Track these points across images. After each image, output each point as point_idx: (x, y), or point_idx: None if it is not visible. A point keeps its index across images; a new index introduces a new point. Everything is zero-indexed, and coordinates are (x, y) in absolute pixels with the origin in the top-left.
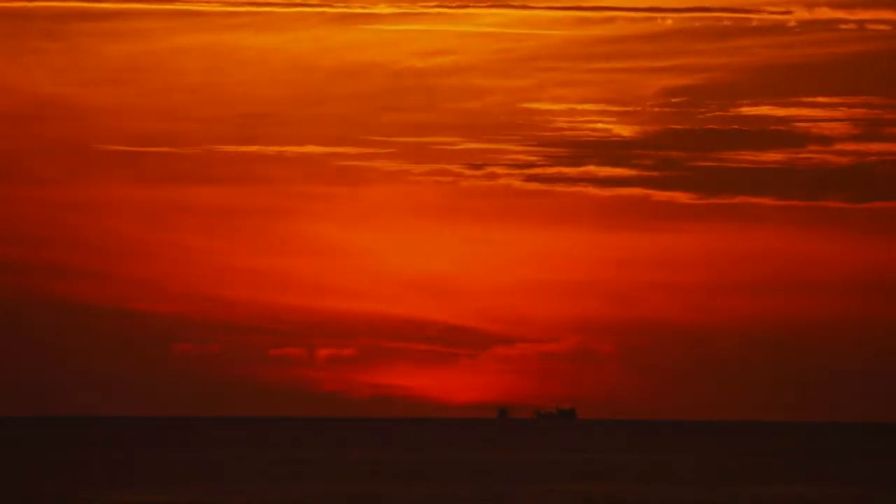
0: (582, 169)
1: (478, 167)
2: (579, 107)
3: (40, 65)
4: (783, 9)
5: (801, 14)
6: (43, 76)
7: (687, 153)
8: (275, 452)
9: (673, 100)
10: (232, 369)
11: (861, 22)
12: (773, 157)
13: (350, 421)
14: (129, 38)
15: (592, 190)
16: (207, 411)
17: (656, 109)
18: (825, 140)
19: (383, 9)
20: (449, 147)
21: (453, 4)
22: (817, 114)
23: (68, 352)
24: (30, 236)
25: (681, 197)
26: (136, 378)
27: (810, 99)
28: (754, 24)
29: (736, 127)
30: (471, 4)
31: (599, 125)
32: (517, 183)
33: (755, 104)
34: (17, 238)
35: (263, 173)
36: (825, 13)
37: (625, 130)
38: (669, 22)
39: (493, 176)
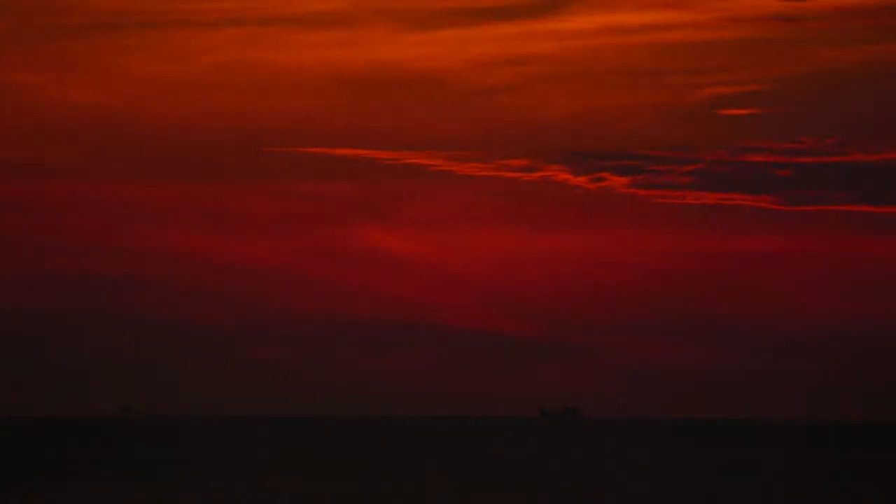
0: (665, 178)
1: (582, 174)
2: (654, 115)
3: (83, 78)
4: None
5: None
6: (87, 89)
7: (774, 158)
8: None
9: (753, 108)
10: (317, 374)
11: None
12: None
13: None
14: (173, 52)
15: (675, 196)
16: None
17: (736, 117)
18: None
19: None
20: (548, 155)
21: (506, 18)
22: None
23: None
24: (95, 248)
25: (768, 203)
26: (221, 381)
27: None
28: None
29: (821, 132)
30: (523, 17)
31: (680, 133)
32: (620, 189)
33: (839, 113)
34: (84, 251)
35: (345, 179)
36: None
37: (706, 138)
38: (744, 30)
39: (597, 181)
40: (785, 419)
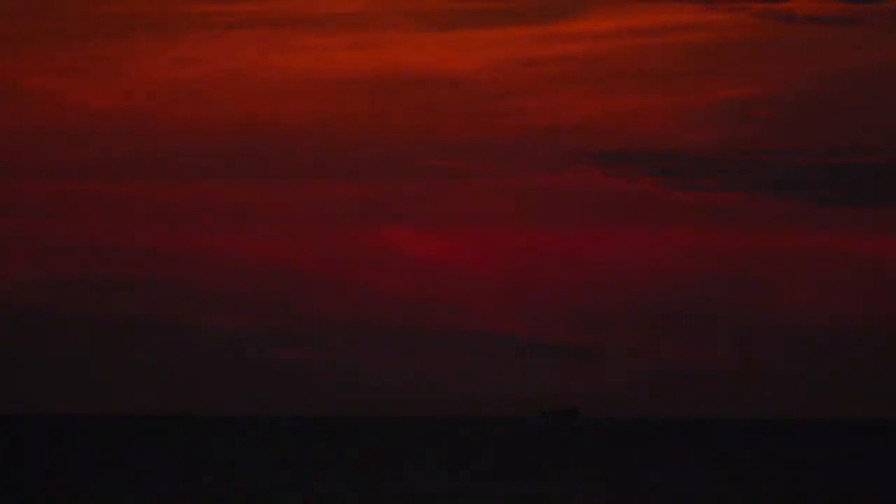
0: (685, 177)
1: (610, 175)
2: (682, 115)
3: (97, 81)
4: None
5: None
6: (100, 93)
7: (807, 159)
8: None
9: (784, 108)
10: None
11: None
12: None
13: None
14: (187, 55)
15: (696, 197)
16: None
17: (767, 118)
18: None
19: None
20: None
21: (526, 20)
22: None
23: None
24: (103, 249)
25: (799, 204)
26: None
27: None
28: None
29: (853, 134)
30: (538, 21)
31: (709, 133)
32: (648, 189)
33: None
34: (95, 251)
35: (363, 181)
36: None
37: (736, 138)
38: (774, 30)
39: (625, 182)
40: (818, 420)
